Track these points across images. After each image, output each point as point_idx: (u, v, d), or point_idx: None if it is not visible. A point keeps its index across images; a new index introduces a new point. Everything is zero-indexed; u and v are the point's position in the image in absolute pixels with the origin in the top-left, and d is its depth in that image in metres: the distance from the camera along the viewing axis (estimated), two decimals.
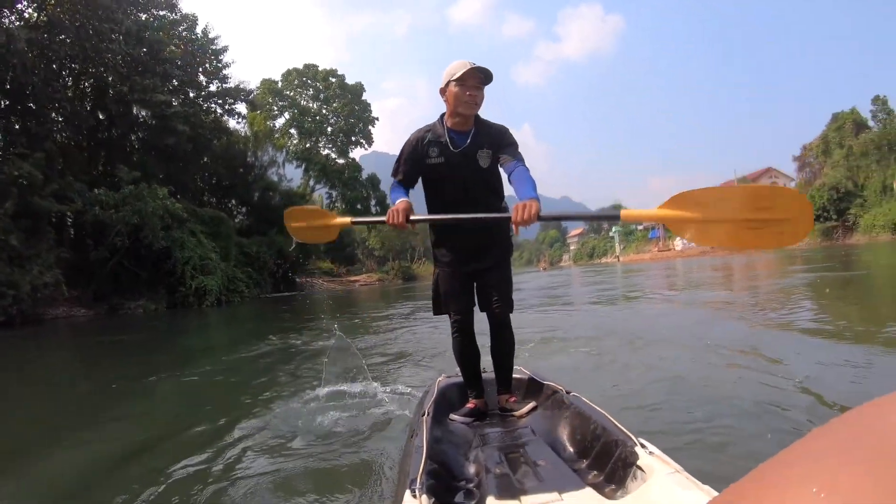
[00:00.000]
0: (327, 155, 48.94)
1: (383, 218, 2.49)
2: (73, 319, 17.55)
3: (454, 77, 2.51)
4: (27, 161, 16.83)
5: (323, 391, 4.06)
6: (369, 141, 52.09)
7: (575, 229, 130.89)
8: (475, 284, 2.78)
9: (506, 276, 2.75)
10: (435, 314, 2.84)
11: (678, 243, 69.98)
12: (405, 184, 2.63)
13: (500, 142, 2.59)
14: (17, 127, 19.61)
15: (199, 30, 34.01)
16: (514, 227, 2.35)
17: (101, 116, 24.59)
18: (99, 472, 2.87)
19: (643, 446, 1.74)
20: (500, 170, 2.60)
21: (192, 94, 31.81)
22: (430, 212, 2.73)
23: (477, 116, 2.63)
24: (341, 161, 49.50)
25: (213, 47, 34.15)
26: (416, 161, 2.62)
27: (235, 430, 3.29)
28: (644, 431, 1.90)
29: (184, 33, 32.97)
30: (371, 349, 6.49)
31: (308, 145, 47.39)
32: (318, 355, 6.05)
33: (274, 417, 3.54)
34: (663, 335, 5.58)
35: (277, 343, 7.81)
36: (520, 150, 2.62)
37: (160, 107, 25.63)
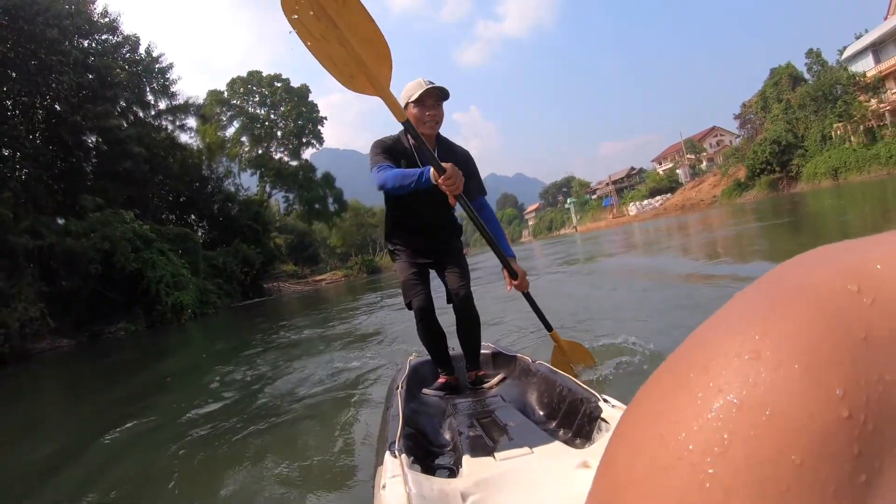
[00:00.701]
0: (280, 159, 49.57)
1: (440, 165, 2.34)
2: (58, 351, 18.45)
3: (412, 99, 2.58)
4: None
5: (304, 373, 4.83)
6: (320, 140, 52.86)
7: (531, 205, 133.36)
8: (437, 274, 2.96)
9: (462, 261, 2.90)
10: (407, 308, 2.88)
11: (632, 209, 72.98)
12: (392, 167, 2.61)
13: (465, 168, 2.63)
14: None
15: (142, 50, 34.36)
16: (511, 287, 2.82)
17: (51, 148, 24.98)
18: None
19: (606, 401, 1.86)
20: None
21: (141, 115, 32.26)
22: (392, 221, 2.91)
23: (438, 134, 2.74)
24: (294, 163, 50.26)
25: (159, 65, 34.53)
26: (392, 159, 2.65)
27: (232, 404, 4.09)
28: (606, 389, 2.08)
29: (127, 55, 33.21)
30: (344, 335, 7.41)
31: (260, 151, 47.91)
32: (295, 346, 7.35)
33: (263, 396, 4.23)
34: (615, 302, 5.90)
35: (261, 342, 8.90)
36: (474, 161, 2.88)
37: (113, 131, 26.25)
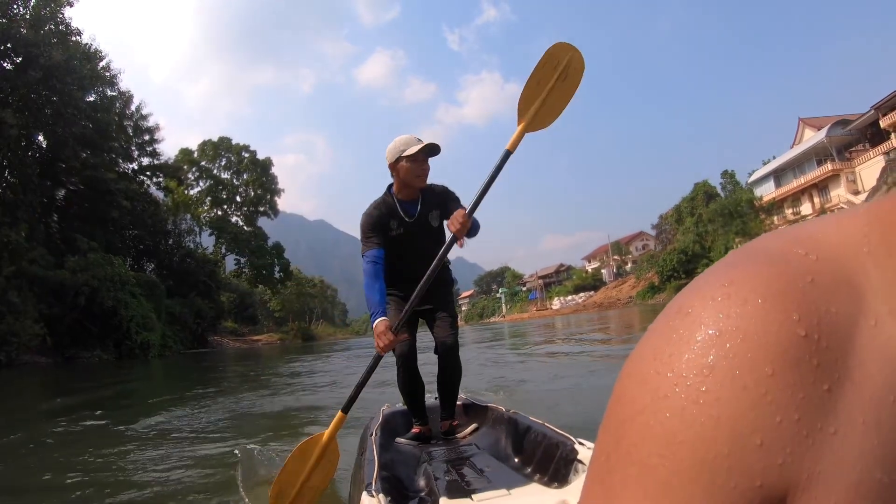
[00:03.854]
0: (236, 222, 52.74)
1: (377, 355, 2.50)
2: (40, 365, 20.73)
3: (406, 154, 2.70)
4: (13, 230, 20.50)
5: (277, 420, 5.09)
6: (275, 211, 56.65)
7: (466, 291, 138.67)
8: (425, 321, 3.02)
9: (451, 310, 2.95)
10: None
11: (556, 303, 77.43)
12: (381, 247, 2.72)
13: (444, 200, 2.85)
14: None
15: (133, 107, 37.99)
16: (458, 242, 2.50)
17: (52, 188, 27.84)
18: None
19: (582, 444, 1.92)
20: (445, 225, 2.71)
21: (126, 168, 35.45)
22: (385, 273, 2.80)
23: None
24: (248, 229, 53.50)
25: (147, 124, 38.20)
26: (381, 232, 2.75)
27: (203, 460, 3.85)
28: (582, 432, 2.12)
29: (118, 109, 36.59)
30: (311, 385, 8.43)
31: (220, 213, 51.04)
32: (263, 387, 8.92)
33: (239, 436, 4.31)
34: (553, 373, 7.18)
35: (217, 385, 10.23)
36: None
37: (106, 182, 29.40)
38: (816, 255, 0.28)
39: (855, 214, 0.30)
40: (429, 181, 2.85)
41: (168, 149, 38.95)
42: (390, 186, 2.83)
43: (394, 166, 2.75)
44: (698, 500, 0.24)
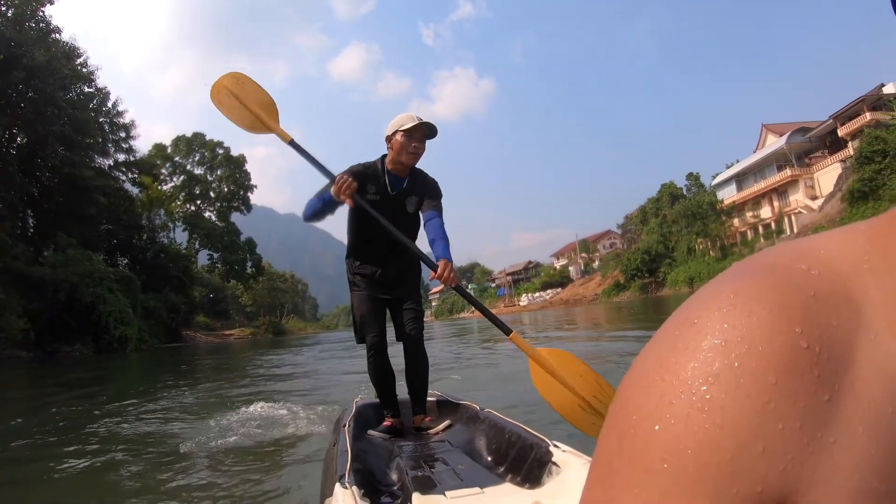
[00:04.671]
0: (209, 218, 53.18)
1: (332, 175, 2.63)
2: (23, 359, 21.57)
3: (402, 128, 2.73)
4: None
5: (251, 411, 4.97)
6: (248, 207, 57.18)
7: (436, 287, 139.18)
8: (390, 312, 3.03)
9: (418, 300, 2.99)
10: (358, 343, 2.96)
11: (524, 299, 79.07)
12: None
13: (427, 191, 2.87)
14: None
15: (109, 104, 38.38)
16: (433, 277, 2.55)
17: (32, 185, 28.42)
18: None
19: (557, 446, 1.93)
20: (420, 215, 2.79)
21: (102, 164, 35.91)
22: (353, 242, 2.97)
23: (414, 167, 2.85)
24: (221, 224, 53.96)
25: (123, 121, 38.66)
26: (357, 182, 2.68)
27: (180, 446, 3.90)
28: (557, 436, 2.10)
29: (94, 105, 36.94)
30: (283, 378, 8.70)
31: (193, 209, 51.47)
32: (242, 377, 9.19)
33: (211, 434, 4.19)
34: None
35: (209, 374, 10.83)
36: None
37: (84, 180, 30.03)
38: (818, 271, 0.29)
39: (856, 231, 0.32)
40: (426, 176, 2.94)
41: (141, 142, 39.17)
42: (384, 156, 2.87)
43: (390, 139, 2.80)
44: (701, 503, 0.25)
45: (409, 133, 2.74)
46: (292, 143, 2.66)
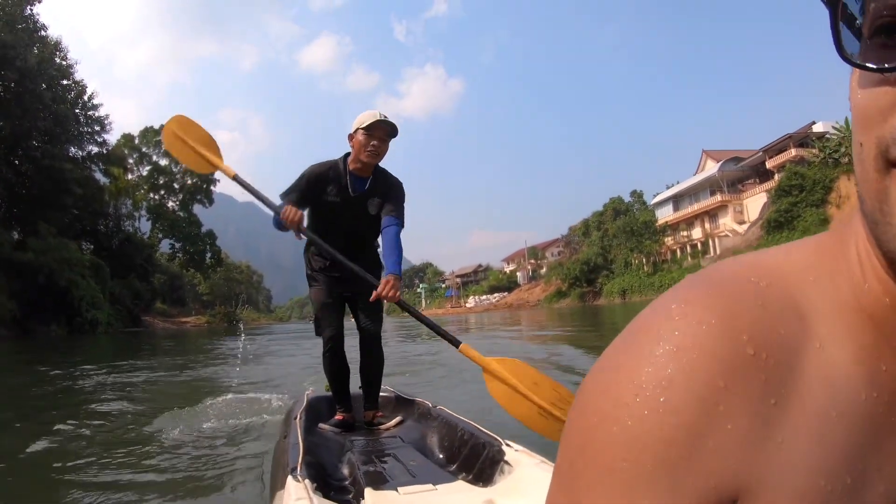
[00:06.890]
0: (172, 208, 55.12)
1: (277, 206, 2.64)
2: (5, 337, 24.12)
3: (362, 125, 2.68)
4: None
5: (203, 399, 5.02)
6: (210, 200, 59.25)
7: None
8: (349, 307, 3.02)
9: (378, 300, 2.80)
10: (317, 335, 2.94)
11: (471, 301, 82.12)
12: (299, 207, 2.70)
13: (389, 193, 2.81)
14: None
15: (85, 97, 40.26)
16: (375, 294, 2.54)
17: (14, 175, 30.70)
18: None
19: (509, 445, 1.93)
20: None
21: (76, 154, 37.99)
22: (312, 231, 2.82)
23: (377, 166, 2.81)
24: (183, 215, 55.90)
25: (97, 114, 40.63)
26: (312, 194, 2.74)
27: (131, 434, 3.89)
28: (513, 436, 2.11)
29: (69, 97, 38.72)
30: (236, 365, 8.54)
31: (157, 199, 53.43)
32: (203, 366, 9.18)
33: (164, 422, 4.12)
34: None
35: (169, 362, 10.84)
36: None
37: (63, 172, 32.35)
38: (767, 282, 0.31)
39: (804, 245, 0.34)
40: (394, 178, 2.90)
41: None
42: (347, 155, 2.81)
43: (352, 137, 2.75)
44: (660, 498, 0.27)
45: (369, 130, 2.69)
46: (236, 178, 2.79)
